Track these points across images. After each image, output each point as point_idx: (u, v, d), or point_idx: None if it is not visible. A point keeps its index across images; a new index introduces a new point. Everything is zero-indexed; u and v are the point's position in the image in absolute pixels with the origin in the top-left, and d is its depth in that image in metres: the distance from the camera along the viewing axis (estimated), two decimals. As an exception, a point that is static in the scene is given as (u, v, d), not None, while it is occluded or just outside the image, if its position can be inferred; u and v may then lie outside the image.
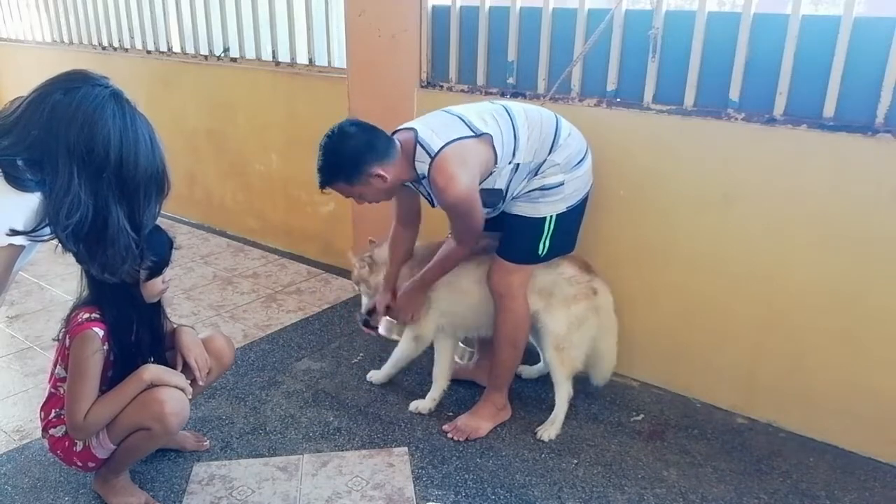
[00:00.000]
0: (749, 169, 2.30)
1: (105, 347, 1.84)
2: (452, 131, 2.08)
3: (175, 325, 2.10)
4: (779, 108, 2.24)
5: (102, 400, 1.85)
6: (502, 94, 2.80)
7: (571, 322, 2.32)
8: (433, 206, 2.24)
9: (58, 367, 1.91)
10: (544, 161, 2.19)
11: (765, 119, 2.25)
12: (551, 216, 2.22)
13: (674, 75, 2.41)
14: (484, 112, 2.17)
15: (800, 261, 2.27)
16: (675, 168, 2.44)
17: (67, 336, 1.85)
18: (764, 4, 2.24)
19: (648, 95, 2.47)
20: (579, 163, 2.23)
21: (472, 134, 2.09)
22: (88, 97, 1.27)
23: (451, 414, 2.48)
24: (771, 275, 2.34)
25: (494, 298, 2.31)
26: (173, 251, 1.94)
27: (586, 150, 2.28)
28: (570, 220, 2.30)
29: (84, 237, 1.30)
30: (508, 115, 2.18)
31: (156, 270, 1.89)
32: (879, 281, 2.15)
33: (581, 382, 2.52)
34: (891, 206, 2.09)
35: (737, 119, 2.30)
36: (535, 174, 2.20)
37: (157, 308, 2.01)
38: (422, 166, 2.08)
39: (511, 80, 2.81)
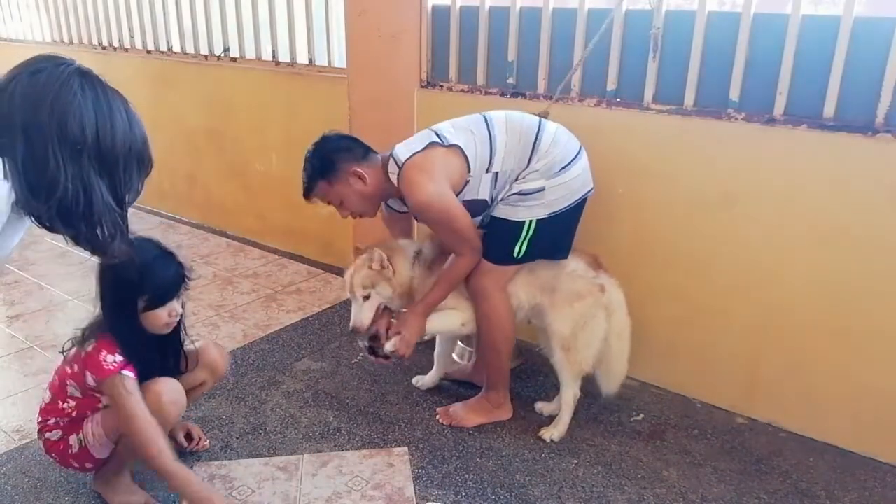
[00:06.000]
0: (749, 169, 2.30)
1: None
2: (420, 143, 2.18)
3: (197, 346, 2.10)
4: (779, 108, 2.24)
5: (183, 471, 1.83)
6: (502, 94, 2.80)
7: (576, 321, 2.25)
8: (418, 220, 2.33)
9: (70, 386, 1.88)
10: (525, 167, 2.19)
11: (765, 119, 2.25)
12: (530, 221, 2.20)
13: (674, 75, 2.42)
14: (459, 124, 2.24)
15: (800, 260, 2.27)
16: (675, 168, 2.44)
17: (90, 373, 1.80)
18: (764, 4, 2.24)
19: (648, 95, 2.47)
20: (563, 169, 2.19)
21: (441, 144, 2.17)
22: (53, 76, 1.26)
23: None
24: (771, 274, 2.34)
25: (472, 300, 2.31)
26: (186, 282, 1.89)
27: (575, 157, 2.22)
28: (556, 227, 2.24)
29: (70, 217, 1.29)
30: (486, 124, 2.22)
31: (154, 301, 1.83)
32: (879, 280, 2.15)
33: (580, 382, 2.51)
34: (890, 205, 2.09)
35: (737, 119, 2.30)
36: (516, 179, 2.20)
37: (175, 334, 1.97)
38: (393, 177, 2.18)
39: (511, 80, 2.81)
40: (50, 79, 1.25)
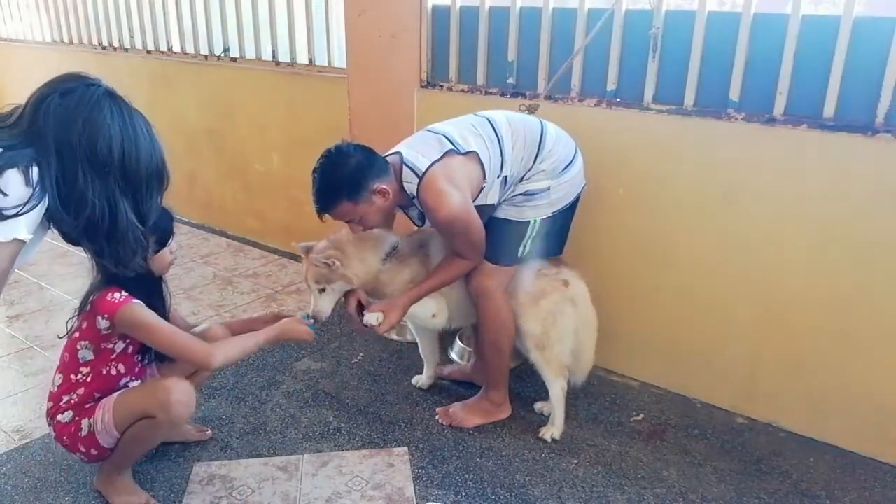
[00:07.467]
0: (749, 169, 2.30)
1: None
2: (437, 151, 2.09)
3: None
4: (779, 108, 2.24)
5: (235, 341, 1.95)
6: (502, 94, 2.80)
7: (545, 318, 2.26)
8: (419, 225, 2.28)
9: (81, 349, 1.91)
10: (530, 168, 2.19)
11: (765, 119, 2.25)
12: (535, 220, 2.22)
13: (674, 75, 2.41)
14: (467, 128, 2.17)
15: (799, 260, 2.27)
16: (675, 168, 2.44)
17: (101, 316, 1.86)
18: (764, 4, 2.24)
19: (648, 95, 2.47)
20: (566, 168, 2.21)
21: (457, 152, 2.09)
22: (85, 97, 1.32)
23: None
24: (771, 274, 2.33)
25: (473, 300, 2.30)
26: (174, 222, 2.01)
27: (574, 155, 2.25)
28: (557, 224, 2.28)
29: (95, 234, 1.36)
30: (492, 127, 2.18)
31: (163, 241, 1.94)
32: (879, 281, 2.15)
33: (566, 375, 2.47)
34: (890, 206, 2.09)
35: (737, 119, 2.30)
36: (521, 180, 2.20)
37: (161, 286, 2.04)
38: (410, 187, 2.09)
39: (511, 80, 2.81)
40: (82, 100, 1.32)
